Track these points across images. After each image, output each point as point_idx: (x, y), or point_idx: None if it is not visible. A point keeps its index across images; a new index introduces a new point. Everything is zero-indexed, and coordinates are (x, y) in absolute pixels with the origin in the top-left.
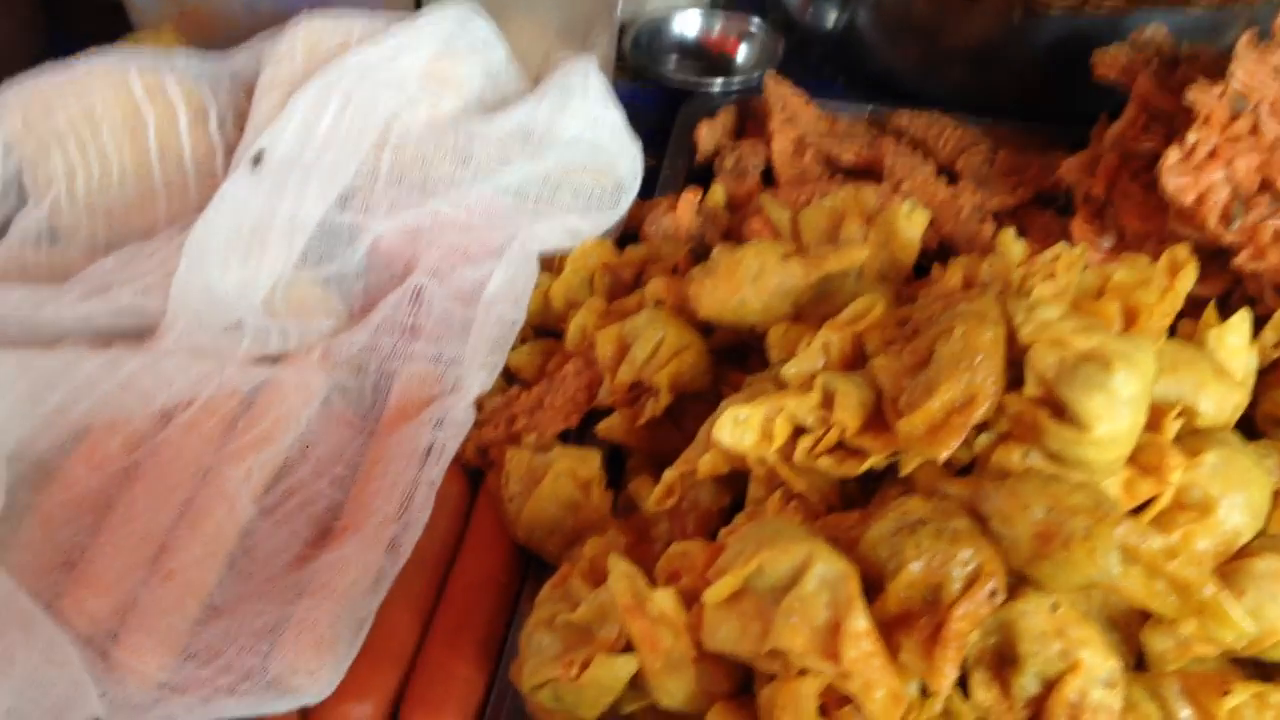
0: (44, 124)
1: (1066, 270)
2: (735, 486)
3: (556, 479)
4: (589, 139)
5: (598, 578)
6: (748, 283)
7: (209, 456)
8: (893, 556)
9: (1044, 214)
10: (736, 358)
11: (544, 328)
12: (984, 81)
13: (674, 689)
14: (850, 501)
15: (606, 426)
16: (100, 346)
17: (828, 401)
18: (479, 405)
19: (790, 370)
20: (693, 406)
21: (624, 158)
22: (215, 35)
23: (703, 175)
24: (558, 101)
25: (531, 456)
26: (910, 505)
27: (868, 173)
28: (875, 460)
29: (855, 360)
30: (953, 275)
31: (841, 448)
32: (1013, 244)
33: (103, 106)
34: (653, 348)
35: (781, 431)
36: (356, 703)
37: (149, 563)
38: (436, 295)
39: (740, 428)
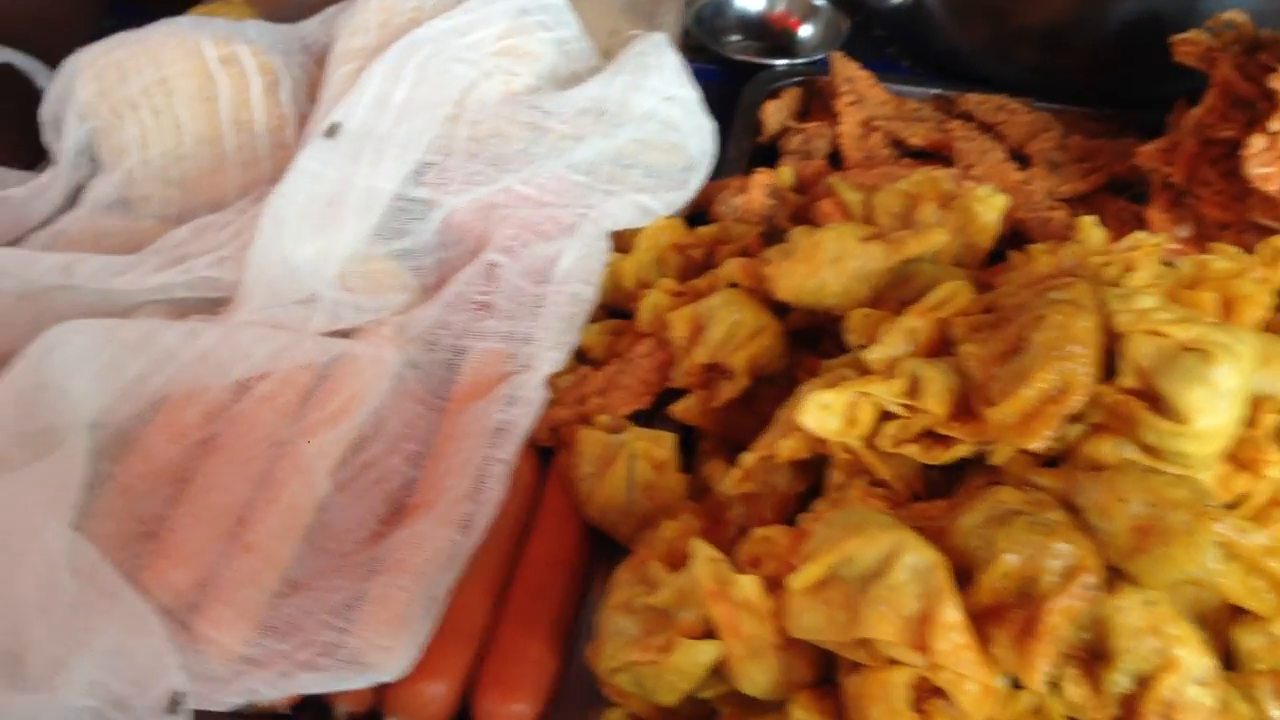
0: (118, 92)
1: (1146, 258)
2: (812, 472)
3: (631, 460)
4: (663, 116)
5: (675, 561)
6: (827, 265)
7: (285, 429)
8: (985, 547)
9: (1117, 200)
10: (809, 340)
11: (614, 307)
12: (1053, 64)
13: (756, 676)
14: (934, 490)
15: (681, 408)
16: (175, 317)
17: (913, 388)
18: (550, 384)
19: (873, 355)
20: (766, 389)
21: (697, 137)
22: (284, 6)
23: (766, 155)
24: (633, 78)
25: (605, 437)
26: (1003, 496)
27: (936, 156)
28: (964, 449)
29: (939, 346)
30: (1041, 262)
31: (927, 435)
32: (1093, 231)
33: (177, 75)
34: (728, 329)
35: (866, 417)
36: (431, 681)
37: (228, 535)
38: (509, 272)
39: (824, 413)
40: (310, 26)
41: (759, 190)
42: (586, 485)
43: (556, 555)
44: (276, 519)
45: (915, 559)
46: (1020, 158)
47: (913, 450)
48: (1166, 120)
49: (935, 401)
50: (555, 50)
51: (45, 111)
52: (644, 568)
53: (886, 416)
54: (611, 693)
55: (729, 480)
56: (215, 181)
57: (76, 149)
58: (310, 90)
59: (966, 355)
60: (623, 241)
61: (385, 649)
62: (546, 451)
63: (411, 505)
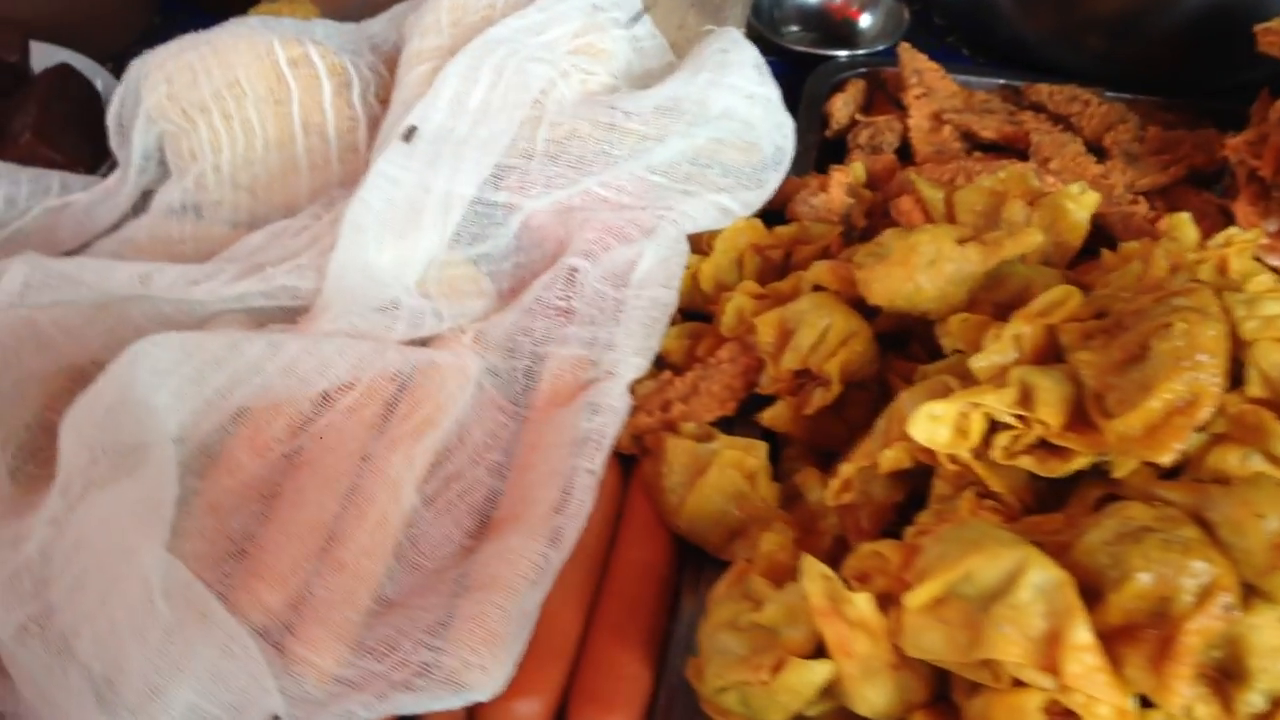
0: (189, 95)
1: (1238, 255)
2: (910, 481)
3: (722, 470)
4: (743, 115)
5: (776, 575)
6: (922, 268)
7: (371, 442)
8: (1115, 565)
9: (1197, 194)
10: (895, 344)
11: (691, 309)
12: (1123, 52)
13: (871, 696)
14: (1041, 502)
15: (770, 416)
16: (253, 326)
17: (1025, 397)
18: (631, 391)
19: (980, 363)
20: (856, 394)
21: (777, 134)
22: (348, 5)
23: (833, 150)
24: (714, 75)
25: (694, 446)
26: (1132, 511)
27: (1008, 149)
28: (1081, 461)
29: (1046, 353)
30: (1156, 265)
31: (1042, 447)
32: (1187, 228)
33: (247, 77)
34: (818, 335)
35: (976, 428)
36: (524, 699)
37: (319, 553)
38: (589, 277)
39: (934, 423)
40: (377, 26)
41: (839, 188)
42: (675, 495)
43: (646, 565)
44: (366, 535)
45: (1041, 577)
46: (1096, 150)
47: (1027, 462)
48: (1249, 111)
49: (1050, 412)
50: (629, 47)
51: (111, 115)
52: (745, 583)
53: (996, 426)
54: (713, 711)
55: (829, 492)
56: (286, 186)
57: (144, 153)
58: (381, 92)
59: (1082, 363)
60: (698, 243)
61: (481, 668)
62: (627, 459)
63: (498, 518)
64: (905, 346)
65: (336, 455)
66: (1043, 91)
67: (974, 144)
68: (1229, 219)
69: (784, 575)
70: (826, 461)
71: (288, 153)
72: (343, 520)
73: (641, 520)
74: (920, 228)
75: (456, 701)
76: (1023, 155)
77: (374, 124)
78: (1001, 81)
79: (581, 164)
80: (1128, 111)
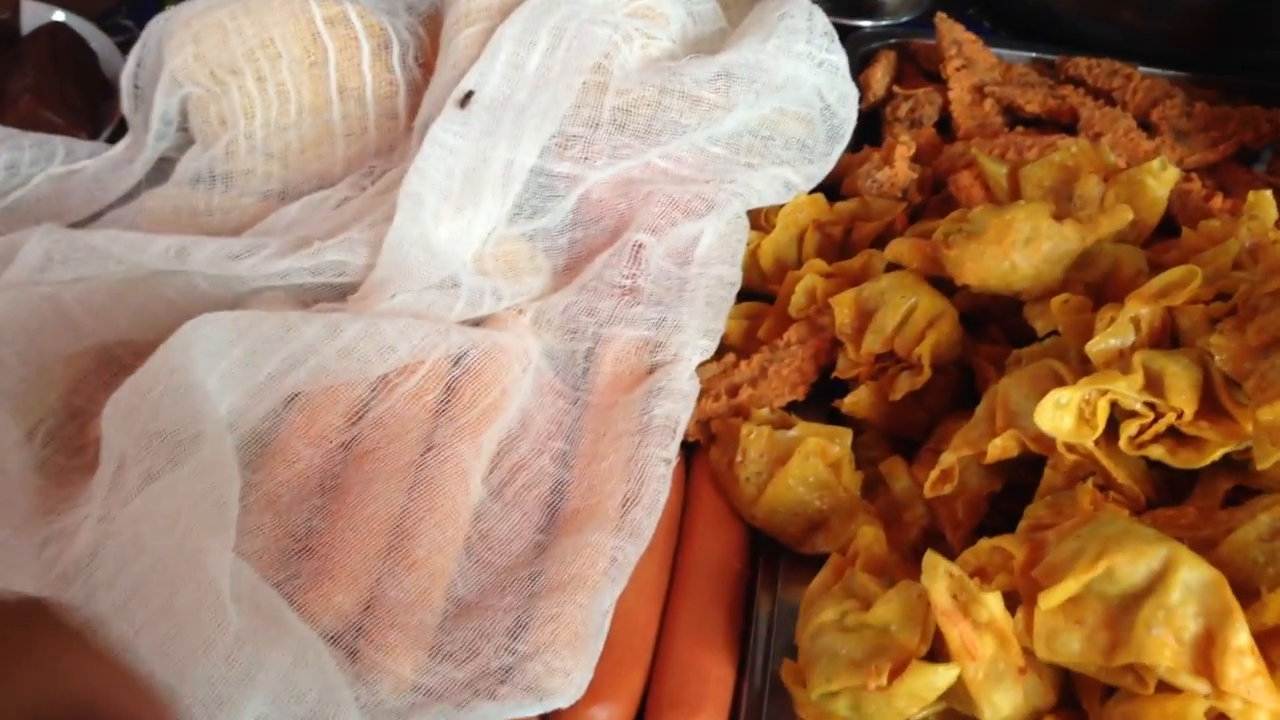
0: (219, 56)
1: None
2: (1007, 470)
3: (805, 459)
4: (810, 84)
5: (877, 569)
6: (1019, 247)
7: (434, 430)
8: (1272, 563)
9: (1246, 171)
10: (970, 325)
11: (749, 288)
12: (1154, 26)
13: (999, 702)
14: (1163, 495)
15: (852, 402)
16: (296, 304)
17: (1151, 383)
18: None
19: (1097, 346)
20: (936, 379)
21: (843, 106)
22: None
23: (866, 123)
24: (783, 42)
25: (773, 434)
26: None
27: (1052, 124)
28: (1218, 451)
29: (1165, 336)
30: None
31: (1171, 435)
32: (1270, 207)
33: (282, 38)
34: (902, 316)
35: (1102, 416)
36: (603, 704)
37: (388, 550)
38: (654, 254)
39: (1060, 411)
40: None
41: (903, 162)
42: (753, 485)
43: (719, 560)
44: (438, 531)
45: (1192, 575)
46: (1142, 126)
47: (1158, 452)
48: None
49: (1182, 398)
50: (683, 11)
51: (126, 76)
52: (847, 579)
53: (1121, 414)
54: (814, 717)
55: (928, 483)
56: (320, 155)
57: (164, 117)
58: (420, 55)
59: (1215, 347)
60: (756, 219)
61: (564, 672)
62: (689, 445)
63: (568, 510)
64: (982, 328)
65: (399, 444)
66: (1081, 65)
67: (1014, 118)
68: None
69: (883, 570)
70: (903, 448)
71: (323, 119)
72: (411, 514)
73: (712, 511)
74: (1013, 205)
75: (539, 708)
76: (1068, 129)
77: (414, 89)
78: (1033, 55)
79: (649, 134)
80: (1172, 87)
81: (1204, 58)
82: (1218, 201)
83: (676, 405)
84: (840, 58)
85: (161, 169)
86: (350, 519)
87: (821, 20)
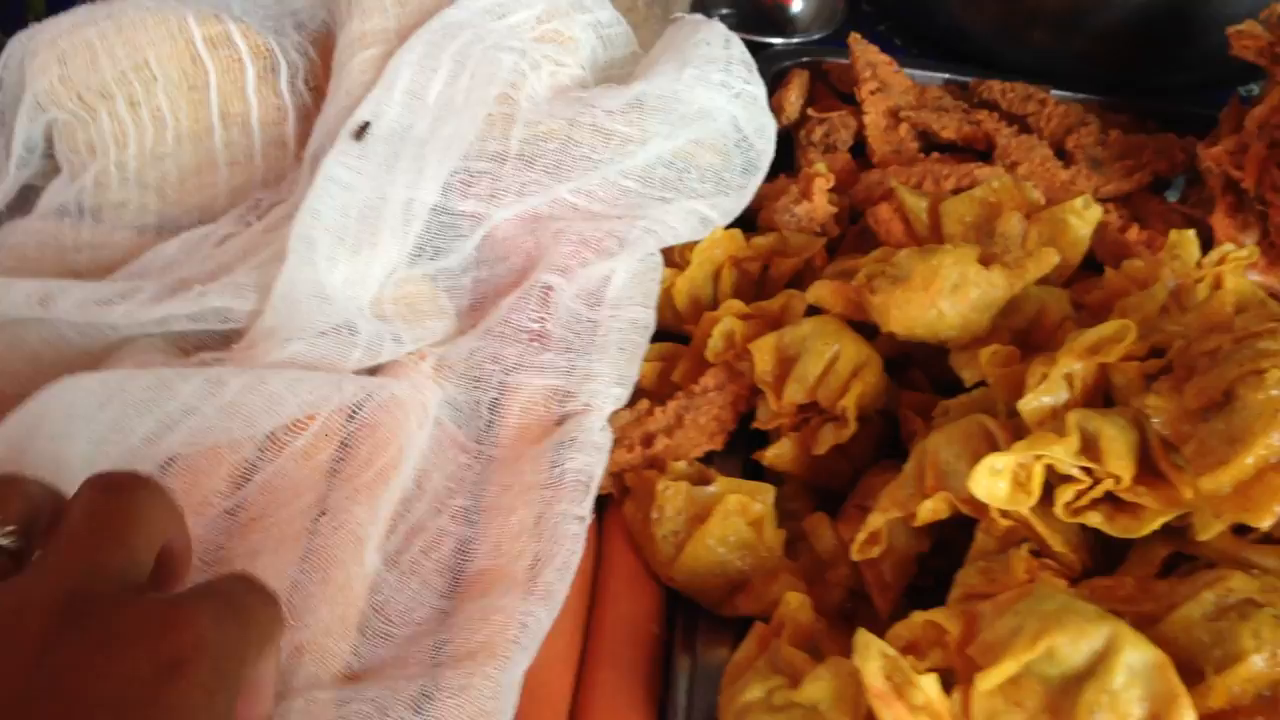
0: (87, 78)
1: (1233, 274)
2: (935, 529)
3: (725, 517)
4: (727, 114)
5: (802, 639)
6: (945, 294)
7: (328, 493)
8: (1218, 644)
9: (1161, 202)
10: (891, 369)
11: (662, 328)
12: (1068, 48)
13: None
14: (1097, 560)
15: (774, 455)
16: (174, 352)
17: (1087, 445)
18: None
19: (1029, 405)
20: (860, 429)
21: (760, 137)
22: None
23: (780, 145)
24: (700, 71)
25: (690, 490)
26: (1233, 583)
27: (966, 150)
28: (1158, 520)
29: (1099, 393)
30: (1220, 299)
31: (1108, 501)
32: (1191, 246)
33: (158, 59)
34: (825, 364)
35: (1038, 481)
36: None
37: None
38: (565, 295)
39: (996, 478)
40: (302, 1)
41: (822, 196)
42: (669, 544)
43: (635, 622)
44: (328, 608)
45: (1135, 657)
46: (1058, 153)
47: (1095, 520)
48: (1200, 114)
49: (1120, 464)
50: (593, 35)
51: None
52: (774, 653)
53: (1055, 478)
54: None
55: (854, 546)
56: (201, 186)
57: (26, 144)
58: (310, 78)
59: (1150, 409)
60: (669, 255)
61: None
62: (601, 499)
63: (475, 571)
64: (904, 371)
65: (289, 510)
66: (995, 89)
67: (930, 144)
68: (1193, 228)
69: (809, 639)
70: (825, 498)
71: (203, 147)
72: (301, 589)
73: (627, 570)
74: (939, 249)
75: None
76: (982, 156)
77: (303, 115)
78: (946, 76)
79: (559, 169)
80: (1086, 113)
81: (1116, 80)
82: (1134, 233)
83: (590, 459)
84: (759, 88)
85: (25, 197)
86: None
87: (739, 48)
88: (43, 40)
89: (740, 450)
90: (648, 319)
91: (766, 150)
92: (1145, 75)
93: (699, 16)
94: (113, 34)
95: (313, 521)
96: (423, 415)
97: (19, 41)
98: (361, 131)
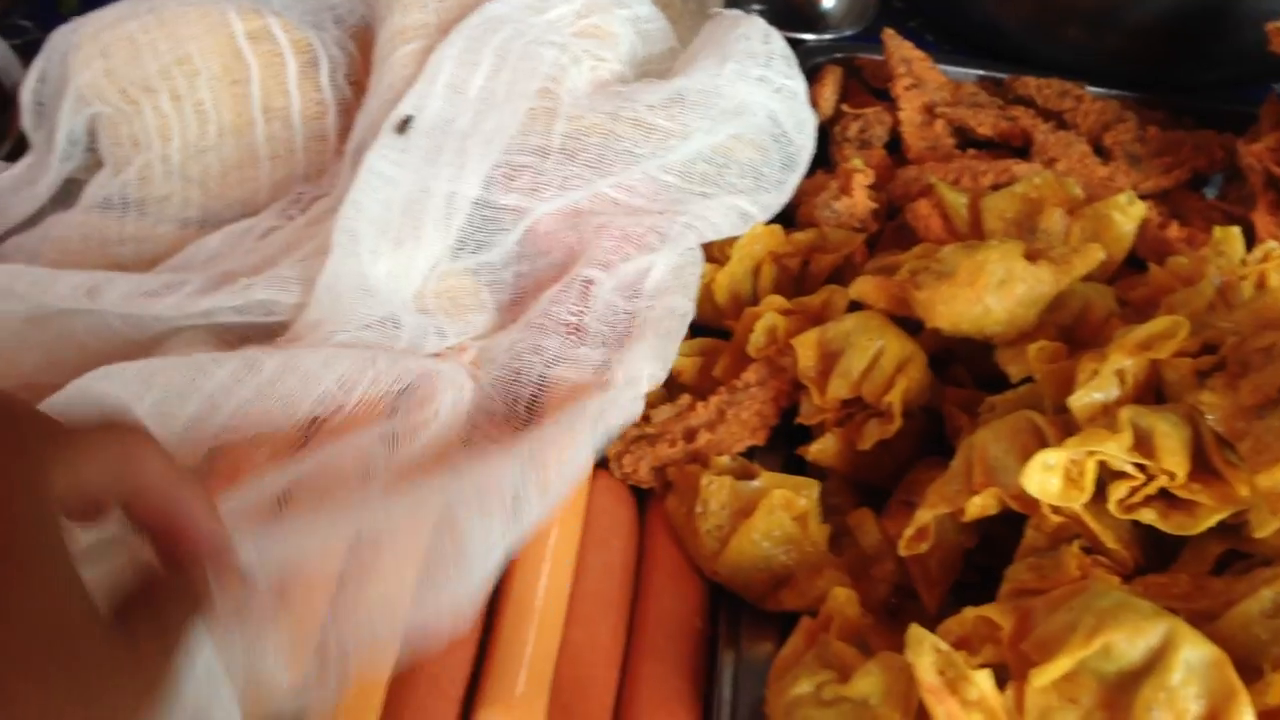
0: (130, 73)
1: (1277, 270)
2: (982, 524)
3: (770, 512)
4: (767, 110)
5: (851, 634)
6: (992, 290)
7: (371, 473)
8: (1275, 641)
9: (1200, 199)
10: (935, 365)
11: (702, 323)
12: (1101, 45)
13: None
14: (1149, 556)
15: (818, 450)
16: (220, 345)
17: (1140, 442)
18: (646, 417)
19: (1080, 401)
20: (904, 424)
21: (800, 133)
22: None
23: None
24: (740, 66)
25: (735, 484)
26: None
27: (1003, 146)
28: (1213, 517)
29: (1150, 390)
30: (1273, 298)
31: (1162, 498)
32: (1237, 243)
33: (200, 53)
34: (869, 359)
35: (1090, 478)
36: None
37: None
38: (604, 289)
39: (1048, 473)
40: None
41: (862, 192)
42: (714, 539)
43: (680, 618)
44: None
45: (1193, 654)
46: (1095, 149)
47: (1149, 516)
48: (1242, 111)
49: (1174, 460)
50: (632, 30)
51: (28, 90)
52: (823, 647)
53: (1109, 474)
54: None
55: (902, 542)
56: (243, 179)
57: (70, 137)
58: (351, 72)
59: (1205, 405)
60: (709, 251)
61: None
62: (642, 493)
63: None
64: (946, 367)
65: (331, 493)
66: (1030, 85)
67: (966, 139)
68: (1235, 225)
69: (856, 634)
70: (868, 494)
71: (245, 140)
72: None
73: (670, 565)
74: (985, 245)
75: None
76: (1019, 152)
77: (344, 109)
78: (980, 73)
79: (601, 163)
80: (1123, 109)
81: (1151, 77)
82: (1174, 230)
83: (619, 417)
84: (799, 84)
85: (69, 190)
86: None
87: (780, 44)
88: (85, 34)
89: (782, 445)
90: (686, 308)
91: (806, 145)
92: (1179, 72)
93: (738, 12)
94: (155, 28)
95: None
96: (463, 395)
97: (61, 35)
98: (404, 125)
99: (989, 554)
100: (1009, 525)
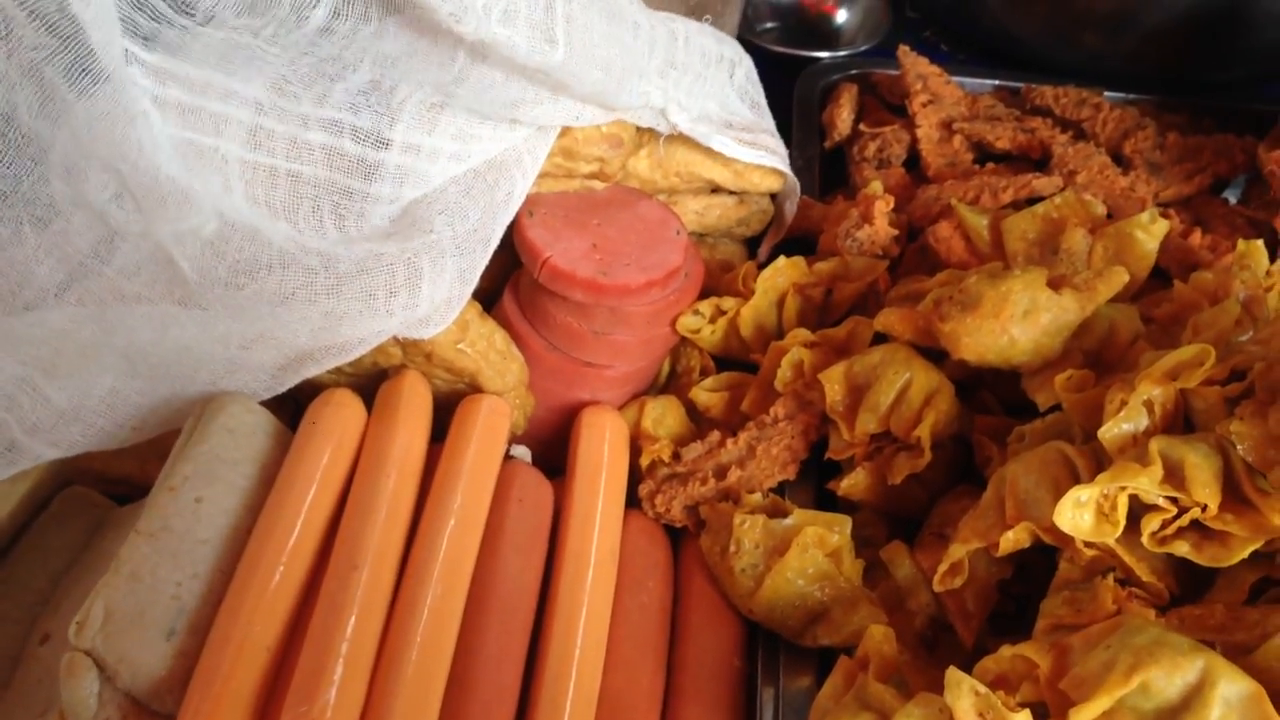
0: None
1: None
2: (1015, 555)
3: (804, 550)
4: None
5: (887, 673)
6: (1017, 321)
7: None
8: None
9: (1223, 204)
10: (961, 391)
11: (729, 357)
12: (1117, 49)
13: None
14: (1184, 587)
15: (849, 485)
16: None
17: (1170, 474)
18: (677, 455)
19: (1110, 433)
20: (934, 456)
21: None
22: None
23: (833, 161)
24: None
25: (768, 523)
26: None
27: (1022, 159)
28: (1247, 547)
29: (1179, 419)
30: None
31: (1194, 529)
32: (1261, 256)
33: None
34: (896, 392)
35: (1123, 511)
36: None
37: None
38: None
39: (1080, 510)
40: None
41: (883, 219)
42: (749, 578)
43: (720, 657)
44: None
45: (1231, 689)
46: (1115, 158)
47: (1183, 549)
48: (1278, 112)
49: (1205, 491)
50: None
51: None
52: (862, 689)
53: (1141, 506)
54: None
55: (938, 577)
56: None
57: None
58: None
59: (1238, 435)
60: (731, 284)
61: None
62: (675, 532)
63: None
64: (973, 393)
65: None
66: (1048, 94)
67: (984, 154)
68: (1257, 230)
69: (894, 673)
70: (899, 526)
71: None
72: None
73: (707, 604)
74: (1008, 274)
75: None
76: (1037, 165)
77: None
78: (996, 83)
79: None
80: (1142, 116)
81: (1169, 79)
82: (1196, 237)
83: None
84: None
85: None
86: None
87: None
88: None
89: (812, 477)
90: None
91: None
92: (1197, 72)
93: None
94: None
95: None
96: None
97: None
98: None
99: (1025, 583)
100: (1044, 553)
